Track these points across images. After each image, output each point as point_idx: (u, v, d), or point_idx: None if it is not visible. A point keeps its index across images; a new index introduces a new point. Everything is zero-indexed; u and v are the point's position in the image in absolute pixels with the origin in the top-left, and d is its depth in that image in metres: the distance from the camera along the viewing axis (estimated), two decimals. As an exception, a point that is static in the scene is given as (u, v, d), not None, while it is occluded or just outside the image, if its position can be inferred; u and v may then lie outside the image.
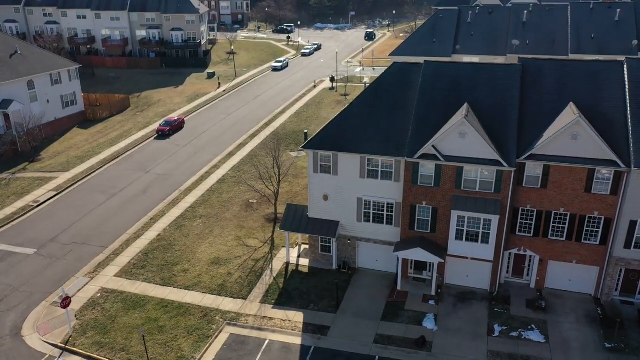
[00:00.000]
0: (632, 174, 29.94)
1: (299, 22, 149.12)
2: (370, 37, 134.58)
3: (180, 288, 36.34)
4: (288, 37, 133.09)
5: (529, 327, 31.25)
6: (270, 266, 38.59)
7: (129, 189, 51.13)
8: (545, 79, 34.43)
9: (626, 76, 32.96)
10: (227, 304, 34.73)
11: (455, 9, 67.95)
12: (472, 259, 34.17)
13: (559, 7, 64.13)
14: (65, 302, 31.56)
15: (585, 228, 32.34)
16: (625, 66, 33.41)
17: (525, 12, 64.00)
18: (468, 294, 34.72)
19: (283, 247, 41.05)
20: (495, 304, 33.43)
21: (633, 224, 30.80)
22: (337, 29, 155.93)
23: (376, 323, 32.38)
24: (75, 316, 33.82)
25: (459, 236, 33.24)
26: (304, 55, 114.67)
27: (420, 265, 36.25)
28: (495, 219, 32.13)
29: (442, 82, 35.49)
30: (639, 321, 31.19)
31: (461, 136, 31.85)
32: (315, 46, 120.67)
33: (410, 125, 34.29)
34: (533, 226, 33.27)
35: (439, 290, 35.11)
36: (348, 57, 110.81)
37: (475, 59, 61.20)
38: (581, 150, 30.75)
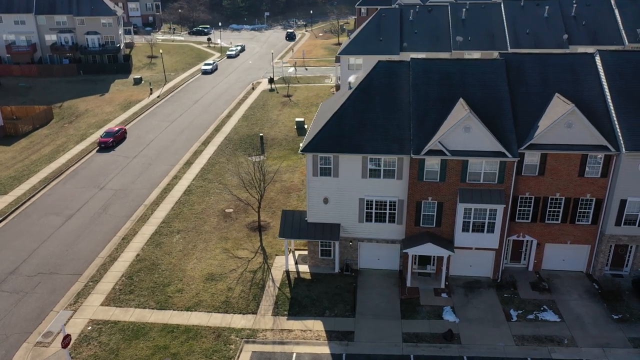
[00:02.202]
0: (622, 156, 32.47)
1: (219, 24, 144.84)
2: (291, 37, 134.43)
3: (181, 310, 33.75)
4: (209, 39, 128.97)
5: (542, 308, 32.80)
6: (270, 276, 37.07)
7: (86, 208, 46.55)
8: (528, 72, 36.25)
9: (600, 68, 35.61)
10: (238, 320, 32.81)
11: (396, 8, 69.73)
12: (476, 248, 35.22)
13: (492, 5, 68.13)
14: (66, 340, 27.97)
15: (578, 210, 34.58)
16: (597, 58, 36.11)
17: (464, 10, 67.16)
18: (474, 283, 35.73)
19: (276, 255, 39.63)
20: (503, 290, 34.70)
21: (623, 202, 33.44)
22: (253, 29, 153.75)
23: (398, 322, 32.27)
24: (70, 355, 30.13)
25: (465, 228, 34.03)
26: (229, 57, 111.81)
27: (425, 260, 36.71)
28: (500, 209, 33.30)
29: (433, 79, 36.11)
30: (634, 291, 33.97)
31: (466, 130, 32.61)
32: (240, 47, 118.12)
33: (411, 123, 34.54)
34: (531, 212, 34.98)
35: (446, 283, 35.77)
36: (276, 57, 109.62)
37: (422, 55, 63.08)
38: (575, 138, 32.77)
